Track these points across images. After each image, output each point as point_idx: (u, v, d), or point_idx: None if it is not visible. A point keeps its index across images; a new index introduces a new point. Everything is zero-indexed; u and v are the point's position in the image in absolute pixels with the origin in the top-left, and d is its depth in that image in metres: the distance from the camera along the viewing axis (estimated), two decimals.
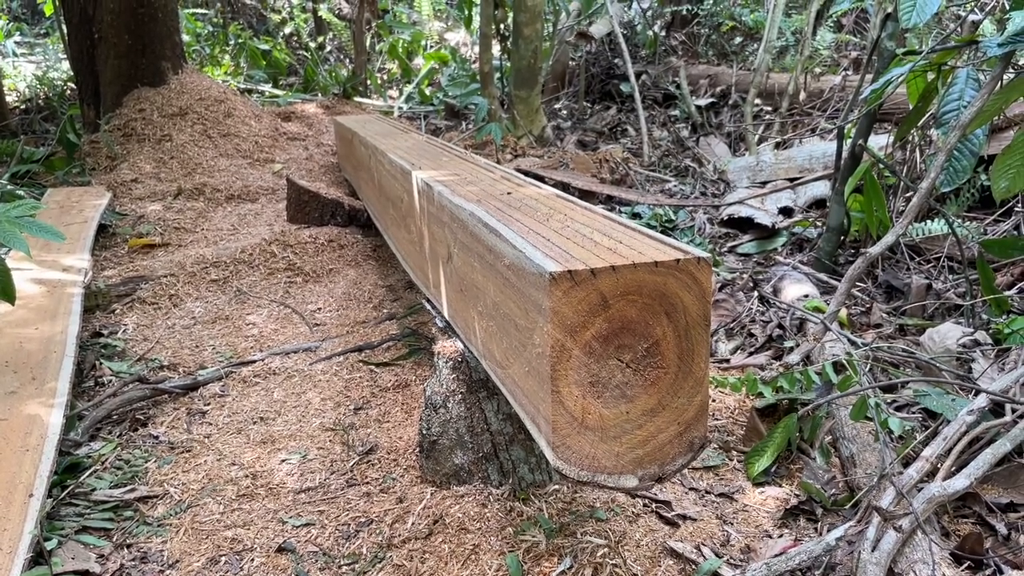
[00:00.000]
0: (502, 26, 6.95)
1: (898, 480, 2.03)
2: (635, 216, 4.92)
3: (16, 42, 11.99)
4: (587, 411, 1.55)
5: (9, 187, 5.16)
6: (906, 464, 2.24)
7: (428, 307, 2.76)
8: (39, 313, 3.37)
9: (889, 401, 2.68)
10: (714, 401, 2.96)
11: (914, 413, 2.61)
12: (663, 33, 8.88)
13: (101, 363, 3.35)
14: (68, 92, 8.68)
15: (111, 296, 3.94)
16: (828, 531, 2.11)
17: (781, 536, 2.25)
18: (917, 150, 3.93)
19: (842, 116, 3.70)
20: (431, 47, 11.12)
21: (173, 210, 5.28)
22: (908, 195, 3.95)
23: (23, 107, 8.70)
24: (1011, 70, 2.81)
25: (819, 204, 4.86)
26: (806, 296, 3.47)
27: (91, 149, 6.19)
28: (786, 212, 4.86)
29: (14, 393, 2.75)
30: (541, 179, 5.13)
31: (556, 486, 2.41)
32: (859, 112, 3.58)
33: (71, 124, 6.27)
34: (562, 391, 1.52)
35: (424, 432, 2.44)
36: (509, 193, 2.31)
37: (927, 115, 3.54)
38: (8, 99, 9.12)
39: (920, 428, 2.50)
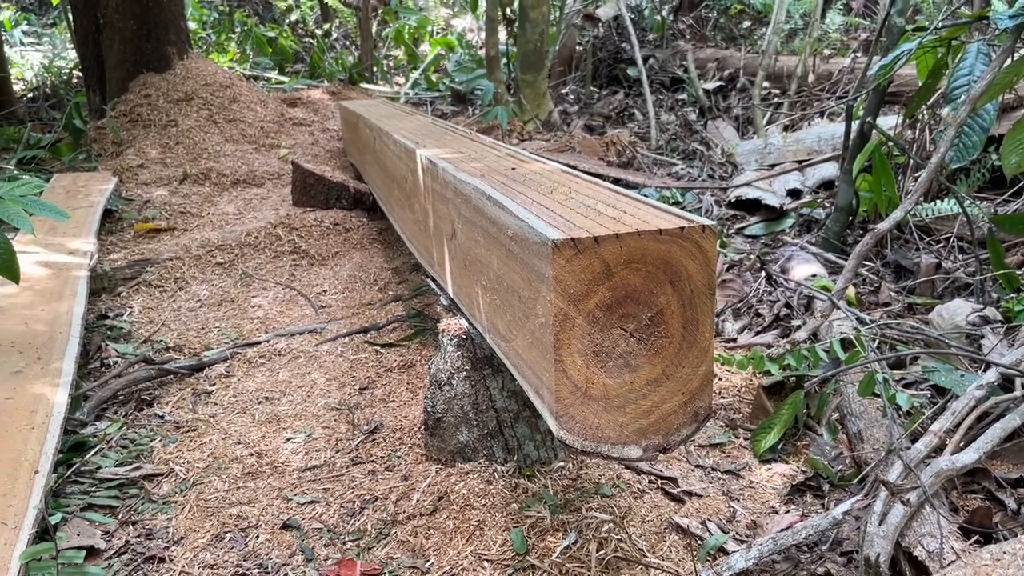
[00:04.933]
0: (508, 10, 6.91)
1: (906, 455, 2.01)
2: None
3: (23, 31, 12.00)
4: (591, 381, 1.53)
5: (15, 172, 5.17)
6: (914, 440, 2.22)
7: (433, 286, 2.75)
8: (45, 295, 3.37)
9: (897, 378, 2.65)
10: (720, 379, 2.94)
11: (922, 390, 2.59)
12: (671, 17, 8.81)
13: (107, 344, 3.35)
14: (75, 80, 8.68)
15: (117, 279, 3.95)
16: (835, 506, 2.10)
17: (788, 512, 2.24)
18: (927, 129, 3.89)
19: (851, 94, 3.66)
20: (438, 33, 11.08)
21: (179, 195, 5.27)
22: (917, 174, 3.91)
23: (30, 95, 8.72)
24: (1022, 44, 2.78)
25: (828, 185, 4.82)
26: (814, 276, 3.44)
27: (97, 135, 6.19)
28: (794, 194, 4.83)
29: (20, 373, 2.75)
30: (548, 161, 5.11)
31: (561, 463, 2.40)
32: (868, 90, 3.54)
33: (77, 110, 6.27)
34: (565, 361, 1.51)
35: (429, 410, 2.44)
36: (513, 168, 2.30)
37: (937, 92, 3.50)
38: (15, 88, 9.14)
39: (928, 404, 2.48)
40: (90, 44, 6.48)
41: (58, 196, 4.81)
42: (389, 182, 3.58)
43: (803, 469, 2.40)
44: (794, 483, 2.33)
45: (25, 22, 12.45)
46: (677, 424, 1.61)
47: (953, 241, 3.72)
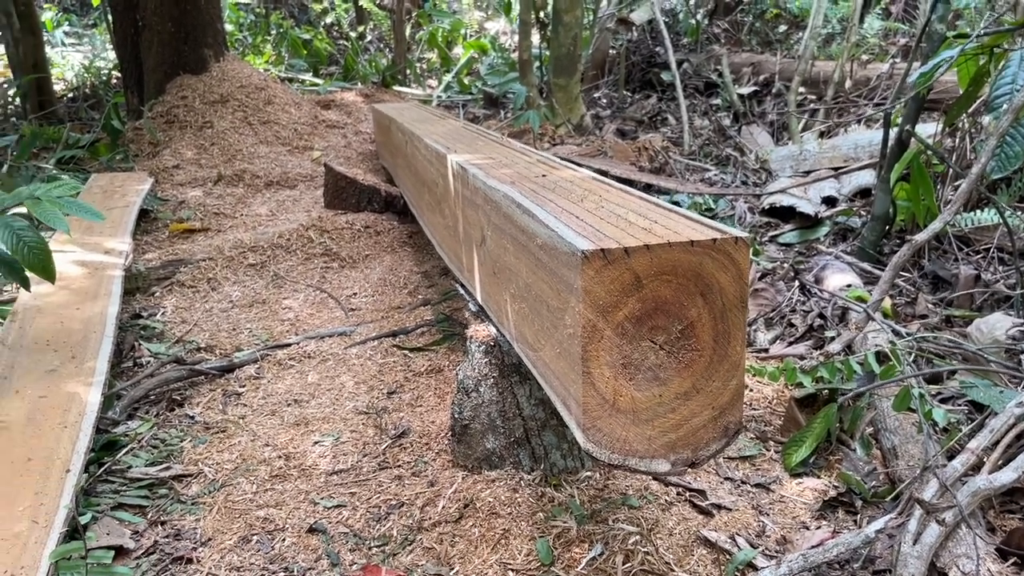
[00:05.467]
0: (542, 13, 6.90)
1: (942, 472, 1.96)
2: (674, 204, 4.84)
3: (65, 32, 12.22)
4: (619, 393, 1.51)
5: (54, 172, 5.25)
6: (950, 457, 2.17)
7: (462, 292, 2.74)
8: (80, 294, 3.42)
9: (934, 393, 2.60)
10: (751, 391, 2.90)
11: (960, 405, 2.53)
12: (706, 21, 8.75)
13: (140, 344, 3.39)
14: (114, 80, 8.82)
15: (151, 279, 3.99)
16: (868, 523, 2.05)
17: (819, 528, 2.20)
18: (967, 137, 3.81)
19: (889, 101, 3.60)
20: (471, 36, 11.11)
21: (213, 196, 5.33)
22: (957, 184, 3.84)
23: (70, 95, 8.87)
24: None
25: (864, 193, 4.74)
26: (849, 286, 3.38)
27: (134, 135, 6.28)
28: (830, 202, 4.76)
29: (54, 371, 2.79)
30: (579, 167, 5.08)
31: (588, 473, 2.38)
32: (907, 98, 3.48)
33: (115, 111, 6.37)
34: (593, 372, 1.49)
35: (456, 416, 2.43)
36: (544, 175, 2.28)
37: (978, 100, 3.43)
38: (56, 88, 9.32)
39: (966, 420, 2.42)
40: (129, 46, 6.58)
41: (95, 196, 4.88)
42: (420, 186, 3.58)
43: (835, 484, 2.35)
44: (826, 498, 2.29)
45: (66, 23, 12.67)
46: (706, 439, 1.58)
47: (993, 252, 3.64)
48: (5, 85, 8.51)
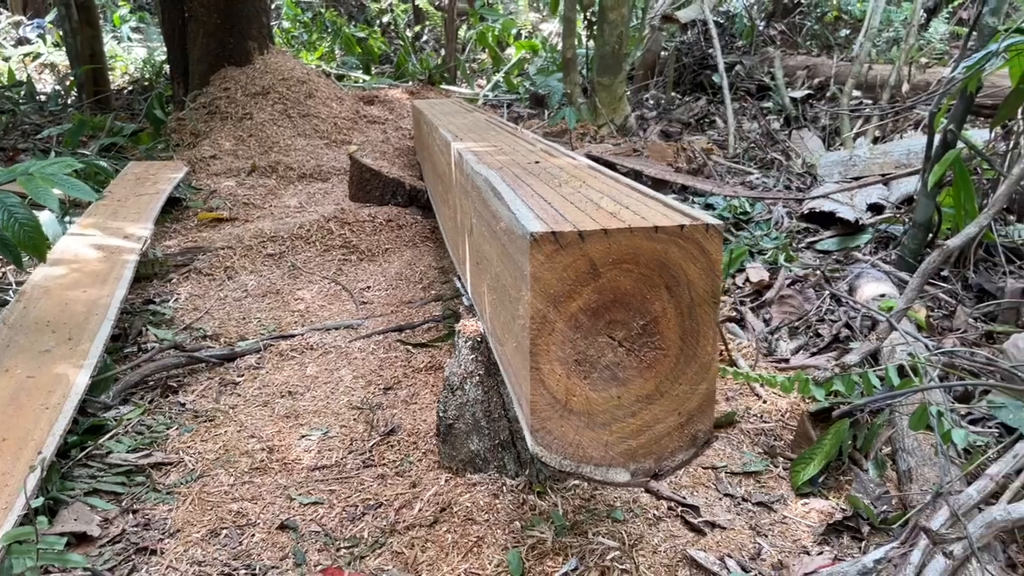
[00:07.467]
0: (588, 12, 6.75)
1: (954, 499, 1.76)
2: (708, 207, 4.65)
3: (132, 27, 12.49)
4: (571, 393, 1.37)
5: (93, 159, 5.30)
6: (970, 482, 1.97)
7: (458, 285, 2.63)
8: (91, 277, 3.40)
9: (964, 413, 2.38)
10: (765, 403, 2.72)
11: (990, 428, 2.30)
12: (763, 23, 8.47)
13: (147, 330, 3.35)
14: (167, 73, 8.94)
15: (168, 265, 3.97)
16: (871, 551, 1.86)
17: (820, 554, 2.01)
18: (1022, 139, 3.53)
19: (935, 101, 3.36)
20: (525, 37, 11.00)
21: (245, 186, 5.32)
22: None
23: (129, 88, 9.04)
24: None
25: (912, 200, 4.47)
26: (883, 296, 3.16)
27: (177, 125, 6.33)
28: (876, 209, 4.50)
29: (48, 352, 2.76)
30: (612, 166, 4.92)
31: (576, 481, 2.23)
32: (943, 91, 3.24)
33: (159, 101, 6.43)
34: (543, 368, 1.36)
35: (441, 415, 2.31)
36: (537, 162, 2.15)
37: None
38: (121, 81, 9.51)
39: (995, 444, 2.20)
40: (176, 38, 6.65)
41: (128, 182, 4.90)
42: (435, 177, 3.49)
43: (843, 507, 2.16)
44: (831, 522, 2.10)
45: (135, 19, 12.94)
46: (671, 448, 1.43)
47: None
48: (65, 76, 8.71)
